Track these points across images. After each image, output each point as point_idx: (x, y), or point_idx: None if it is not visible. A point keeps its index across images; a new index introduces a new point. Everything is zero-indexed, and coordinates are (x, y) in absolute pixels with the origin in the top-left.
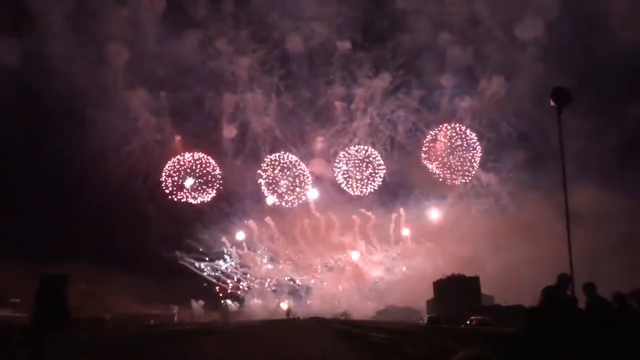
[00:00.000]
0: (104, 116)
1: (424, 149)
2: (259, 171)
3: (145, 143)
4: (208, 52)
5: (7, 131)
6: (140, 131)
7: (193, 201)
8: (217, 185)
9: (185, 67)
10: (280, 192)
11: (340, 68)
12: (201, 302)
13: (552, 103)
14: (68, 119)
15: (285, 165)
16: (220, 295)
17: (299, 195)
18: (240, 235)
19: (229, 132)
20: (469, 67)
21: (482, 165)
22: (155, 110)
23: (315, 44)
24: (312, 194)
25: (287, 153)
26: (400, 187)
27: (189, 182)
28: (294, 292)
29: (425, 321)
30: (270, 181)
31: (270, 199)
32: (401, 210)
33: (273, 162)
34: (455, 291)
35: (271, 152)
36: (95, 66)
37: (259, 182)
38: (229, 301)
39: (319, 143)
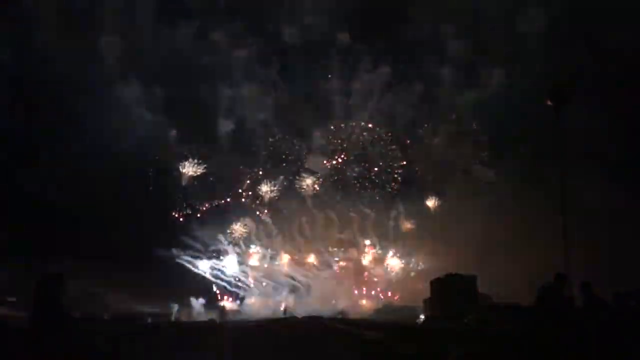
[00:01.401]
0: (100, 111)
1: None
2: (241, 166)
3: (140, 138)
4: (203, 45)
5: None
6: (135, 126)
7: (189, 211)
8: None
9: (180, 59)
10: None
11: (339, 61)
12: (202, 301)
13: (549, 103)
14: (64, 115)
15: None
16: (219, 293)
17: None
18: (238, 233)
19: (225, 126)
20: (471, 60)
21: (483, 161)
22: (149, 104)
23: (314, 37)
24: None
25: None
26: (400, 184)
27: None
28: (294, 290)
29: (422, 320)
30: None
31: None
32: (400, 208)
33: (265, 154)
34: (452, 290)
35: (267, 147)
36: (86, 58)
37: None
38: (228, 301)
39: (316, 138)
